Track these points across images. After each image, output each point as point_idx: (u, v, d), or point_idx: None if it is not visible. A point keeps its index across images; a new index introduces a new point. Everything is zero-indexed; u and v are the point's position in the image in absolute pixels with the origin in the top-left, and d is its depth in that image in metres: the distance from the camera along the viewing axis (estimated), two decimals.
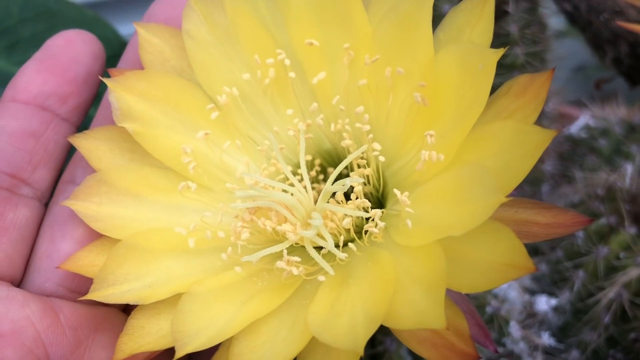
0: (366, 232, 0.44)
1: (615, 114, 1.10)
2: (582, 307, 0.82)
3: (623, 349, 0.80)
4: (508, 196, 0.47)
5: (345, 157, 0.47)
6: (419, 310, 0.36)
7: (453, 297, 0.46)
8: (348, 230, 0.45)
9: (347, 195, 0.46)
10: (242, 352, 0.39)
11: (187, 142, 0.49)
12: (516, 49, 0.90)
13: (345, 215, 0.44)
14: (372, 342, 0.73)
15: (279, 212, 0.44)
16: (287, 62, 0.49)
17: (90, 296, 0.43)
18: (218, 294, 0.43)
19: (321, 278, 0.41)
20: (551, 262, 0.87)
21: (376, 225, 0.43)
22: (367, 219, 0.45)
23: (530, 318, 0.86)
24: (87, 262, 0.46)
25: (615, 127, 1.09)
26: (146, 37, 0.51)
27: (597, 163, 1.09)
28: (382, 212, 0.44)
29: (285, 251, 0.43)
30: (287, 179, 0.47)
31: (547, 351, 0.85)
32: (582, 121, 1.13)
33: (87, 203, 0.47)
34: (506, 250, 0.37)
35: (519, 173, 0.37)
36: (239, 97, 0.51)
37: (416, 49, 0.44)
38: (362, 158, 0.48)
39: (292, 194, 0.44)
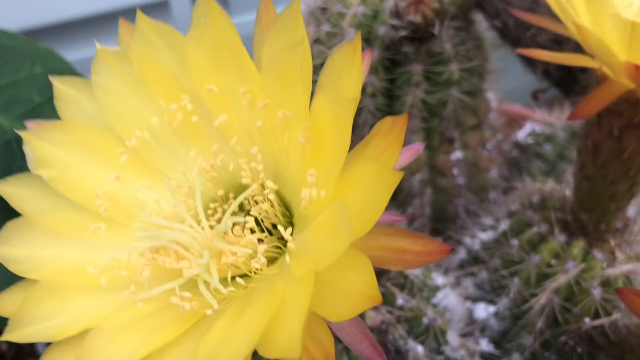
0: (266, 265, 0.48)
1: (560, 119, 1.14)
2: (518, 313, 0.86)
3: (557, 351, 0.84)
4: (392, 224, 0.51)
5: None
6: (289, 335, 0.40)
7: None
8: (245, 263, 0.49)
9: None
10: None
11: (100, 184, 0.53)
12: (451, 66, 0.93)
13: (235, 252, 0.47)
14: None
15: (175, 249, 0.48)
16: (189, 107, 0.53)
17: (6, 337, 0.47)
18: (125, 328, 0.47)
19: (209, 312, 0.45)
20: (490, 270, 0.90)
21: (259, 260, 0.47)
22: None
23: (471, 325, 0.90)
24: (8, 304, 0.50)
25: (560, 132, 1.13)
26: (62, 89, 0.55)
27: (542, 168, 1.13)
28: (268, 246, 0.48)
29: (177, 288, 0.46)
30: (197, 215, 0.51)
31: (486, 357, 0.89)
32: (529, 127, 1.17)
33: (8, 247, 0.51)
34: (369, 282, 0.40)
35: (379, 207, 0.41)
36: (152, 139, 0.55)
37: (296, 95, 0.47)
38: (260, 195, 0.52)
39: (189, 232, 0.48)
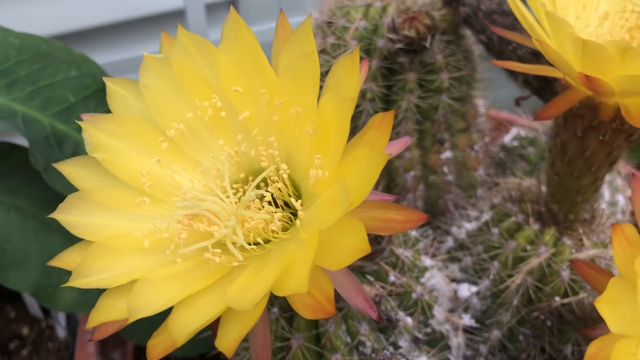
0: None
1: (543, 124, 1.26)
2: (497, 292, 0.98)
3: (531, 326, 0.95)
4: (384, 200, 0.62)
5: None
6: (298, 281, 0.51)
7: (341, 277, 0.62)
8: (264, 229, 0.61)
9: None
10: (179, 316, 0.55)
11: (144, 166, 0.65)
12: (442, 75, 1.05)
13: (257, 218, 0.59)
14: (316, 324, 0.88)
15: (208, 217, 0.59)
16: (219, 104, 0.65)
17: (70, 284, 0.59)
18: (166, 279, 0.59)
19: (235, 264, 0.57)
20: (474, 255, 1.02)
21: (275, 224, 0.59)
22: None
23: (456, 303, 1.01)
24: (70, 260, 0.62)
25: (542, 136, 1.24)
26: (113, 88, 0.67)
27: (526, 169, 1.24)
28: (282, 215, 0.60)
29: (210, 246, 0.58)
30: (225, 191, 0.63)
31: (469, 331, 1.00)
32: (515, 131, 1.28)
33: (69, 215, 0.63)
34: (360, 238, 0.52)
35: (370, 183, 0.53)
36: (186, 131, 0.67)
37: (306, 95, 0.59)
38: (276, 175, 0.64)
39: (219, 202, 0.60)
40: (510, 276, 0.95)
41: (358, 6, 1.08)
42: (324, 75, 1.11)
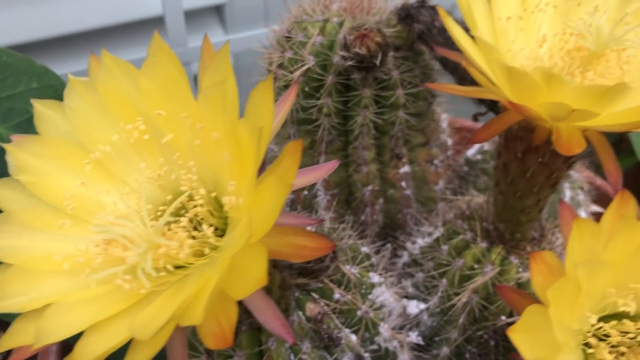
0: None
1: None
2: (445, 310, 0.98)
3: (477, 344, 0.96)
4: (302, 224, 0.63)
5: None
6: (195, 312, 0.52)
7: (259, 303, 0.62)
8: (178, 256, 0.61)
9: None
10: (88, 341, 0.55)
11: (69, 188, 0.66)
12: (397, 91, 1.06)
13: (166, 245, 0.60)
14: (259, 342, 0.89)
15: (122, 242, 0.60)
16: (142, 127, 0.65)
17: None
18: (79, 304, 0.59)
19: (142, 291, 0.57)
20: (424, 272, 1.02)
21: (184, 252, 0.59)
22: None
23: (406, 319, 1.01)
24: None
25: None
26: (41, 109, 0.67)
27: (488, 183, 1.24)
28: (196, 242, 0.61)
29: (120, 272, 0.59)
30: (155, 214, 0.64)
31: (419, 348, 1.00)
32: (478, 145, 1.29)
33: None
34: (261, 269, 0.52)
35: (276, 213, 0.53)
36: (113, 153, 0.67)
37: (224, 121, 0.59)
38: (201, 199, 0.64)
39: (134, 228, 0.60)
40: (457, 294, 0.95)
41: (316, 21, 1.09)
42: (283, 89, 1.12)
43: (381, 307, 0.97)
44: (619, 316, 0.67)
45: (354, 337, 0.91)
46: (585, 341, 0.66)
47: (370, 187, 1.14)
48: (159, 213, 0.67)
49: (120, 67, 0.66)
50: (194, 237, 0.62)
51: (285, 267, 0.88)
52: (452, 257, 0.97)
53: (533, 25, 0.82)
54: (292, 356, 0.88)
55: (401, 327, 0.99)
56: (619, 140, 1.81)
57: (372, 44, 0.97)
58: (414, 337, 0.98)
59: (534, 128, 0.78)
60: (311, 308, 0.90)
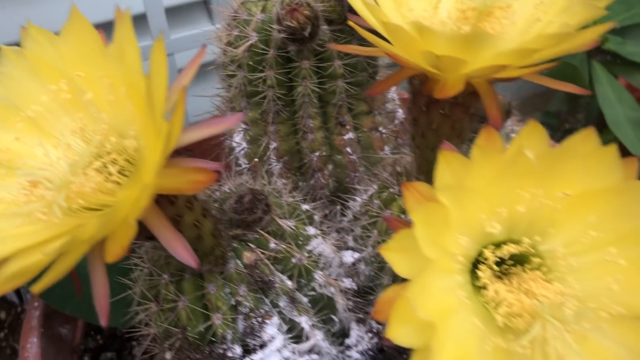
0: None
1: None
2: (377, 257, 1.06)
3: None
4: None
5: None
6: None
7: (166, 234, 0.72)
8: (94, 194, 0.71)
9: None
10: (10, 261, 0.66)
11: (5, 142, 0.76)
12: (335, 62, 1.14)
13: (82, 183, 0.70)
14: (202, 287, 0.98)
15: (43, 183, 0.70)
16: (65, 87, 0.75)
17: None
18: (9, 236, 0.69)
19: (56, 220, 0.68)
20: (361, 225, 1.11)
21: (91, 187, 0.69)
22: None
23: (345, 269, 1.10)
24: None
25: None
26: None
27: None
28: (100, 179, 0.70)
29: (39, 206, 0.69)
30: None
31: (356, 295, 1.09)
32: None
33: None
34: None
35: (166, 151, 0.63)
36: (44, 111, 0.77)
37: (125, 75, 0.69)
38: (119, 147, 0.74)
39: (55, 171, 0.71)
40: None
41: (259, 1, 1.18)
42: (229, 64, 1.21)
43: (319, 256, 1.05)
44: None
45: (289, 283, 1.00)
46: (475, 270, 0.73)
47: (317, 154, 1.23)
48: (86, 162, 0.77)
49: (45, 36, 0.76)
50: (107, 179, 0.72)
51: (218, 219, 0.97)
52: (381, 210, 1.06)
53: None
54: (230, 298, 0.98)
55: (338, 275, 1.08)
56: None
57: (302, 17, 1.06)
58: (347, 283, 1.06)
59: (427, 79, 0.86)
60: (247, 256, 0.99)
